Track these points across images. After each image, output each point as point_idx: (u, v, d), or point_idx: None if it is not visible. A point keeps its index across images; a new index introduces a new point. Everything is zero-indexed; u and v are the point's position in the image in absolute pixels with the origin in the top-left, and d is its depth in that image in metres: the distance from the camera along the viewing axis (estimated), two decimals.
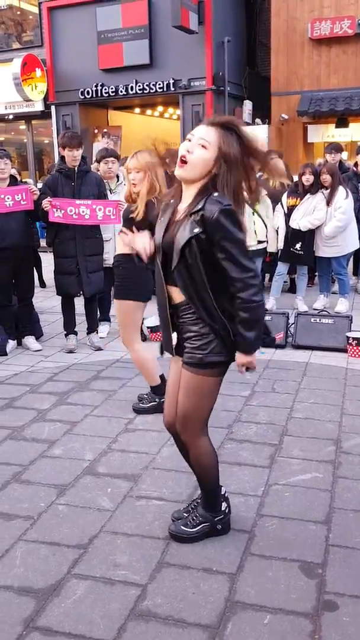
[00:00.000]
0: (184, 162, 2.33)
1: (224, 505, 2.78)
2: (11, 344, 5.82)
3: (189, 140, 2.34)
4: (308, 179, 6.65)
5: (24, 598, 2.40)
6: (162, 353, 2.76)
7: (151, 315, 6.49)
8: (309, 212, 6.67)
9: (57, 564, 2.61)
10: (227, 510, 2.79)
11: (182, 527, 2.75)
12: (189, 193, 2.42)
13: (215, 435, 3.79)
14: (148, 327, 6.08)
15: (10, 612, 2.32)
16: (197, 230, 2.31)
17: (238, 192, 2.38)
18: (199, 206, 2.31)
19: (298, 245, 6.78)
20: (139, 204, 3.81)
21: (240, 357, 2.48)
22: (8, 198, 5.47)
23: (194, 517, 2.76)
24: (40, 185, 6.55)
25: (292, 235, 6.77)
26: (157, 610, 2.32)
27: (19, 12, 15.89)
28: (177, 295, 2.48)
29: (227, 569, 2.55)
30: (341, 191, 6.64)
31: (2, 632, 2.23)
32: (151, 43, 13.18)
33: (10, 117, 15.58)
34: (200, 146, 2.31)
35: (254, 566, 2.56)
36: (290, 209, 6.79)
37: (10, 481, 3.32)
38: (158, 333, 6.06)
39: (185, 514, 2.83)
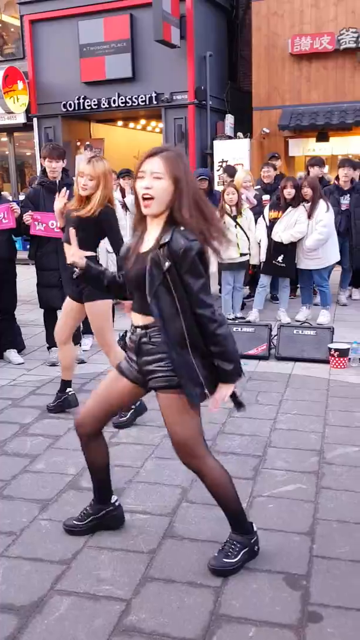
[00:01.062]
0: (148, 199, 2.34)
1: (254, 526, 2.70)
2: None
3: (142, 178, 2.34)
4: (290, 192, 6.73)
5: (6, 615, 2.37)
6: None
7: None
8: (290, 225, 6.75)
9: (40, 580, 2.58)
10: (255, 530, 2.69)
11: (224, 560, 2.59)
12: (154, 225, 2.44)
13: None
14: None
15: None
16: (167, 264, 2.33)
17: (201, 207, 2.39)
18: (167, 239, 2.33)
19: (280, 258, 6.84)
20: (92, 203, 3.96)
21: (221, 388, 2.48)
22: None
23: (233, 546, 2.61)
24: (22, 197, 6.53)
25: (275, 248, 6.84)
26: (142, 625, 2.31)
27: (0, 25, 15.93)
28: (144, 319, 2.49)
29: (212, 582, 2.54)
30: (322, 204, 6.72)
31: None
32: (133, 57, 13.27)
33: None
34: (155, 179, 2.32)
35: (238, 579, 2.56)
36: (272, 222, 6.87)
37: None
38: None
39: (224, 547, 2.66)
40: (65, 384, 4.53)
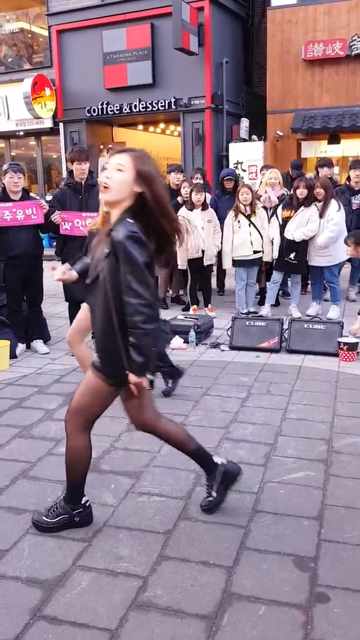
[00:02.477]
0: (106, 187, 2.38)
1: (84, 499, 2.82)
2: (20, 347, 5.82)
3: (106, 170, 2.40)
4: (302, 192, 6.66)
5: (31, 588, 2.39)
6: None
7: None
8: (302, 224, 6.69)
9: (63, 556, 2.60)
10: (87, 504, 2.82)
11: (43, 517, 2.80)
12: (113, 216, 2.46)
13: (213, 435, 3.81)
14: None
15: (18, 602, 2.32)
16: (106, 250, 2.37)
17: (165, 206, 2.41)
18: (112, 228, 2.37)
19: (292, 255, 6.79)
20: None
21: (130, 376, 2.47)
22: (20, 212, 5.49)
23: (55, 509, 2.80)
24: (49, 197, 6.55)
25: (287, 245, 6.79)
26: (158, 601, 2.31)
27: (29, 35, 15.95)
28: None
29: (224, 562, 2.54)
30: (333, 204, 6.65)
31: (11, 620, 2.22)
32: (154, 64, 13.21)
33: (21, 133, 15.62)
34: (117, 170, 2.37)
35: (250, 560, 2.56)
36: (285, 221, 6.81)
37: (19, 477, 3.31)
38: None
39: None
40: None
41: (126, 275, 2.32)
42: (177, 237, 2.48)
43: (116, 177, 2.36)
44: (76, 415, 2.68)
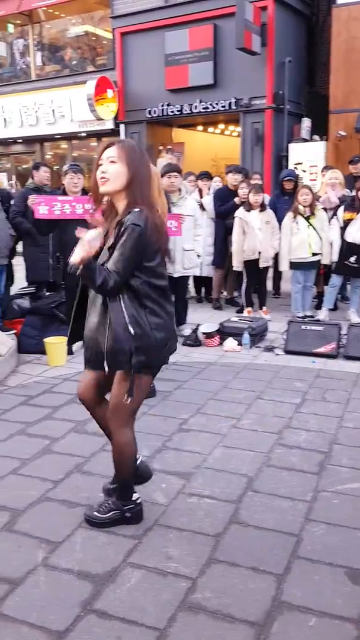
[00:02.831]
0: (104, 180, 2.53)
1: (135, 496, 2.84)
2: (78, 343, 5.91)
3: (101, 165, 2.54)
4: None
5: (83, 582, 2.43)
6: None
7: (206, 321, 6.50)
8: None
9: (114, 552, 2.63)
10: (137, 501, 2.85)
11: (95, 512, 2.84)
12: (119, 207, 2.61)
13: (266, 440, 3.77)
14: (203, 333, 6.07)
15: (70, 594, 2.36)
16: (112, 241, 2.54)
17: (149, 192, 2.57)
18: (124, 218, 2.51)
19: (353, 259, 6.63)
20: None
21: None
22: (79, 206, 5.59)
23: (107, 505, 2.84)
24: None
25: (347, 248, 6.63)
26: (206, 604, 2.30)
27: (94, 38, 16.23)
28: None
29: (274, 569, 2.51)
30: None
31: (62, 611, 2.26)
32: (215, 64, 13.17)
33: (83, 134, 15.91)
34: (110, 162, 2.52)
35: (301, 569, 2.51)
36: (346, 223, 6.65)
37: (73, 471, 3.37)
38: (213, 338, 6.05)
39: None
40: None
41: (116, 251, 2.51)
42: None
43: (111, 169, 2.51)
44: (117, 413, 2.71)
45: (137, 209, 2.49)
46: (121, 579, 2.44)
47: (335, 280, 6.92)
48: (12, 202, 6.80)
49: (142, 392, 2.69)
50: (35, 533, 2.76)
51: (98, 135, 15.72)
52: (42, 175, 6.68)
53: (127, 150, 2.52)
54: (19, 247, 6.96)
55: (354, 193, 6.81)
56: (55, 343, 5.47)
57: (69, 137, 16.22)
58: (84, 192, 5.85)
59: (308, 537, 2.74)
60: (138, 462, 2.98)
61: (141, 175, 2.53)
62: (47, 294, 6.46)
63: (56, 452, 3.62)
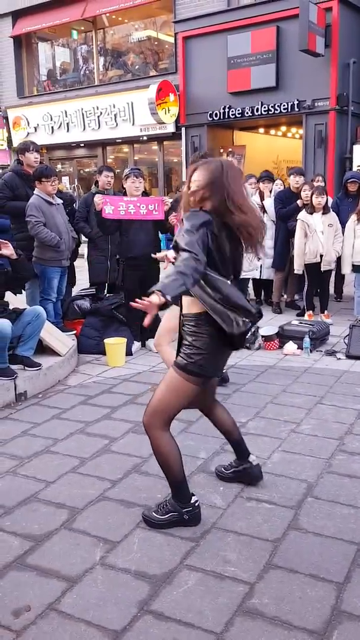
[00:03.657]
0: (198, 201, 2.65)
1: (193, 499, 2.83)
2: (136, 345, 5.99)
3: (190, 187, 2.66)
4: None
5: (140, 582, 2.44)
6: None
7: (265, 324, 6.43)
8: None
9: (171, 553, 2.63)
10: (196, 504, 2.84)
11: (153, 513, 2.84)
12: None
13: (327, 445, 3.69)
14: (263, 336, 6.01)
15: (126, 594, 2.37)
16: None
17: (238, 202, 2.60)
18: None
19: None
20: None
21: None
22: (142, 207, 5.67)
23: (164, 505, 2.84)
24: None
25: None
26: (264, 610, 2.27)
27: (156, 43, 16.41)
28: (188, 305, 2.72)
29: (335, 577, 2.45)
30: None
31: (119, 611, 2.27)
32: (278, 66, 13.04)
33: (145, 138, 16.10)
34: (197, 185, 2.63)
35: None
36: None
37: (131, 471, 3.40)
38: (273, 342, 5.97)
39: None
40: None
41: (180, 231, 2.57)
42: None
43: (197, 191, 2.63)
44: (157, 416, 2.72)
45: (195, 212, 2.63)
46: (178, 581, 2.44)
47: None
48: (75, 205, 6.96)
49: (184, 397, 2.71)
50: (93, 532, 2.80)
51: (159, 138, 15.86)
52: (104, 180, 6.81)
53: (209, 170, 2.61)
54: (82, 249, 7.11)
55: None
56: (115, 344, 5.54)
57: (130, 141, 16.44)
58: (145, 194, 5.92)
59: None
60: (254, 462, 3.15)
61: (224, 194, 2.58)
62: (107, 295, 6.56)
63: (115, 452, 3.66)
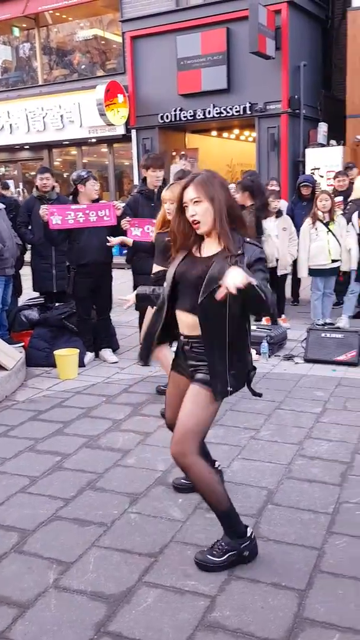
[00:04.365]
0: (197, 223, 2.52)
1: (249, 530, 2.66)
2: (89, 355, 5.95)
3: (187, 207, 2.53)
4: None
5: (96, 603, 2.42)
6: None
7: None
8: None
9: (129, 571, 2.62)
10: (252, 536, 2.66)
11: (208, 556, 2.63)
12: (212, 237, 2.57)
13: (286, 451, 3.75)
14: None
15: (82, 616, 2.34)
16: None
17: (236, 215, 2.56)
18: (239, 250, 2.48)
19: None
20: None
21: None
22: (92, 214, 5.64)
23: (220, 546, 2.63)
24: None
25: None
26: (226, 622, 2.29)
27: (103, 42, 16.43)
28: (190, 323, 2.58)
29: (296, 585, 2.49)
30: None
31: (75, 635, 2.25)
32: (229, 69, 13.26)
33: (93, 140, 16.07)
34: (195, 203, 2.50)
35: (324, 584, 2.49)
36: None
37: (85, 488, 3.37)
38: None
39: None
40: None
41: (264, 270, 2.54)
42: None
43: (199, 209, 2.50)
44: (190, 440, 2.54)
45: (247, 239, 2.56)
46: (136, 599, 2.43)
47: (355, 287, 6.90)
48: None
49: (214, 416, 2.64)
50: (46, 554, 2.76)
51: (109, 141, 15.87)
52: (39, 183, 6.54)
53: (206, 185, 2.50)
54: (28, 256, 7.00)
55: None
56: (66, 355, 5.49)
57: (78, 143, 16.38)
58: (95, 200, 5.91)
59: (330, 551, 2.71)
60: (218, 468, 3.09)
61: (225, 204, 2.52)
62: (57, 304, 6.49)
63: (67, 469, 3.63)
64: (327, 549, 2.73)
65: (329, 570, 2.58)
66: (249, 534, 2.65)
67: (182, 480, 3.25)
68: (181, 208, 2.55)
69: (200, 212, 2.49)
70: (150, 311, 4.34)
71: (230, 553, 2.60)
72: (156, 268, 4.50)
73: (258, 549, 2.67)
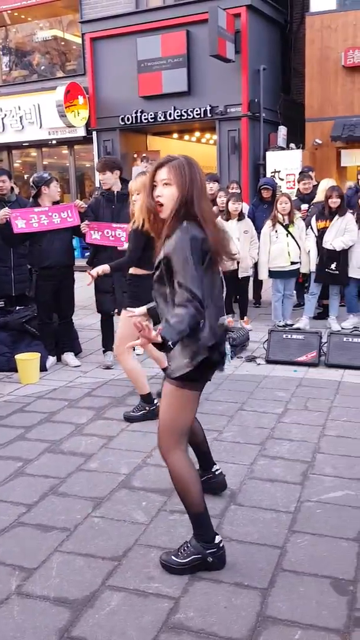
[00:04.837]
0: (160, 206, 2.47)
1: (217, 538, 2.65)
2: (51, 360, 5.90)
3: (155, 187, 2.48)
4: (335, 201, 6.71)
5: (60, 608, 2.41)
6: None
7: None
8: (340, 233, 6.70)
9: (92, 575, 2.61)
10: (220, 544, 2.64)
11: (172, 557, 2.64)
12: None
13: (249, 451, 3.79)
14: None
15: (45, 622, 2.33)
16: (161, 255, 2.44)
17: (204, 209, 2.48)
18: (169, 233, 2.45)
19: (333, 266, 6.77)
20: (137, 217, 4.02)
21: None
22: (55, 215, 5.62)
23: (186, 548, 2.64)
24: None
25: (327, 256, 6.76)
26: (190, 624, 2.30)
27: (62, 43, 16.33)
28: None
29: (259, 584, 2.52)
30: None
31: None
32: (189, 71, 13.35)
33: (54, 142, 15.95)
34: (164, 184, 2.46)
35: (286, 582, 2.53)
36: (321, 231, 6.80)
37: (48, 493, 3.34)
38: None
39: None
40: (145, 398, 4.46)
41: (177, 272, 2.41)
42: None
43: (166, 192, 2.46)
44: (165, 437, 2.59)
45: (184, 224, 2.42)
46: (100, 603, 2.43)
47: (314, 288, 7.03)
48: None
49: (189, 409, 2.61)
50: (8, 560, 2.73)
51: (69, 142, 15.78)
52: None
53: (177, 171, 2.45)
54: None
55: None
56: (27, 359, 5.43)
57: (38, 144, 16.23)
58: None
59: (292, 549, 2.76)
60: (217, 472, 3.13)
61: (190, 196, 2.43)
62: (17, 308, 6.40)
63: (29, 474, 3.59)
64: (289, 547, 2.77)
65: (291, 568, 2.62)
66: (216, 541, 2.63)
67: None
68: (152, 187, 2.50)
69: (166, 196, 2.45)
70: (124, 316, 4.28)
71: (194, 556, 2.61)
72: (137, 271, 4.36)
73: (225, 559, 2.65)
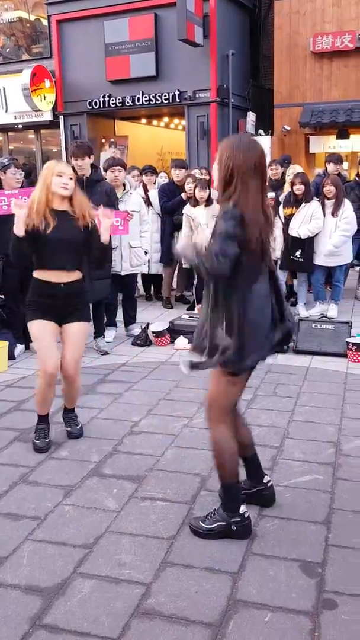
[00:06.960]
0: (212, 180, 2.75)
1: (242, 508, 2.77)
2: (19, 348, 5.84)
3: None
4: (299, 188, 6.75)
5: (31, 596, 2.41)
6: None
7: (155, 320, 6.52)
8: (306, 220, 6.73)
9: (63, 563, 2.61)
10: (245, 515, 2.77)
11: (200, 522, 2.80)
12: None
13: None
14: (153, 332, 6.09)
15: (17, 611, 2.33)
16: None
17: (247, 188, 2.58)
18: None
19: (298, 253, 6.82)
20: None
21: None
22: (25, 199, 5.45)
23: (212, 515, 2.79)
24: None
25: (292, 243, 6.81)
26: (161, 609, 2.33)
27: (28, 25, 15.99)
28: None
29: (230, 568, 2.56)
30: (347, 202, 6.71)
31: (9, 630, 2.23)
32: (157, 56, 13.24)
33: (20, 126, 15.67)
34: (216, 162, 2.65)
35: (256, 565, 2.57)
36: (287, 218, 6.84)
37: (18, 482, 3.33)
38: (164, 337, 6.07)
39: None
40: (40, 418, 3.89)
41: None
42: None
43: (215, 166, 2.66)
44: (212, 409, 2.76)
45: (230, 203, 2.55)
46: (72, 591, 2.44)
47: (281, 276, 7.09)
48: None
49: (236, 387, 2.75)
50: None
51: (36, 127, 15.52)
52: None
53: (221, 149, 2.62)
54: None
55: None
56: None
57: (4, 129, 15.94)
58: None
59: (262, 533, 2.80)
60: (268, 484, 3.02)
61: (233, 168, 2.55)
62: None
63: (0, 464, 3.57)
64: (259, 531, 2.82)
65: (260, 552, 2.66)
66: (241, 511, 2.76)
67: None
68: None
69: (214, 169, 2.66)
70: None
71: (219, 523, 2.75)
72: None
73: (251, 529, 2.79)
